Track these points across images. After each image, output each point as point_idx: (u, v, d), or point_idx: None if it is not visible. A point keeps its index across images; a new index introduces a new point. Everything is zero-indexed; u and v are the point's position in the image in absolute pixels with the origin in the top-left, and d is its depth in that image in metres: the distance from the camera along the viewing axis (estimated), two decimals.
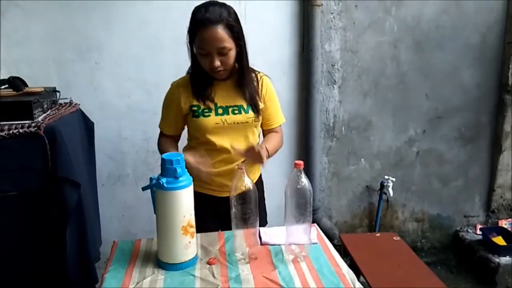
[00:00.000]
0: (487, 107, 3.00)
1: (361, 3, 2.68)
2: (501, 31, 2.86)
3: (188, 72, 1.69)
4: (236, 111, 1.63)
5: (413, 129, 2.96)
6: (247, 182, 1.37)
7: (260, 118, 1.69)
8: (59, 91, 2.15)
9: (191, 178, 1.39)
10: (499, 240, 2.80)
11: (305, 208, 1.38)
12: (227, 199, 1.47)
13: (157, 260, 1.41)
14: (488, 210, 3.18)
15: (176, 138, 1.77)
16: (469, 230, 3.13)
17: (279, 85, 2.70)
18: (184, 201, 1.35)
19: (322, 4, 2.60)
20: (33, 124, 1.67)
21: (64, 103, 2.16)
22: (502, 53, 2.90)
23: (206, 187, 1.69)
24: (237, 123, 1.63)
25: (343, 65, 2.77)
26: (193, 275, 1.34)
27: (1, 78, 2.20)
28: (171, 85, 1.69)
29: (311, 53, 2.63)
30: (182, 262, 1.37)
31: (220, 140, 1.63)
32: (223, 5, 1.53)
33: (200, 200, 1.48)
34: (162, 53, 2.48)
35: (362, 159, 2.96)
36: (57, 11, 2.36)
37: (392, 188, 2.88)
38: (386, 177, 2.91)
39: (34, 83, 2.09)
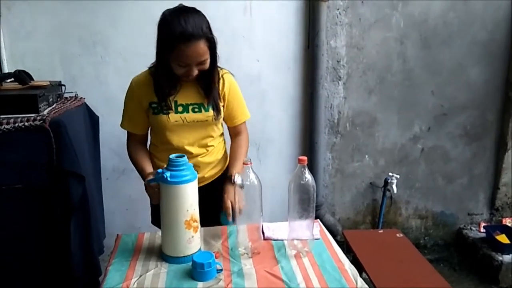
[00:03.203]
0: (493, 105, 2.98)
1: None
2: (508, 28, 2.83)
3: (149, 68, 1.66)
4: (196, 109, 1.62)
5: (418, 126, 2.95)
6: (252, 178, 1.38)
7: (221, 117, 1.68)
8: (64, 85, 2.16)
9: (196, 173, 1.40)
10: (503, 238, 2.79)
11: (308, 204, 1.38)
12: None
13: (161, 253, 1.42)
14: (492, 208, 3.17)
15: (144, 138, 1.74)
16: (473, 228, 3.11)
17: (284, 80, 2.72)
18: (187, 196, 1.36)
19: (328, 0, 2.59)
20: (38, 118, 1.68)
21: (70, 97, 2.17)
22: (509, 50, 2.87)
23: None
24: (197, 121, 1.62)
25: (349, 61, 2.76)
26: None
27: (7, 71, 2.22)
28: (131, 81, 1.66)
29: (316, 49, 2.62)
30: (185, 256, 1.38)
31: (179, 138, 1.63)
32: (198, 12, 1.50)
33: None
34: None
35: (366, 156, 2.96)
36: (62, 6, 2.37)
37: (396, 185, 2.88)
38: (390, 174, 2.90)
39: (40, 77, 2.10)
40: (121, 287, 1.26)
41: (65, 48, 2.43)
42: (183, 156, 1.39)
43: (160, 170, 1.38)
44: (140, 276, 1.31)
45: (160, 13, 2.41)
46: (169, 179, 1.32)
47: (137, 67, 2.48)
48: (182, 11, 1.48)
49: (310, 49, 2.65)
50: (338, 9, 2.66)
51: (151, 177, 1.43)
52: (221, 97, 1.66)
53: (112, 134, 2.49)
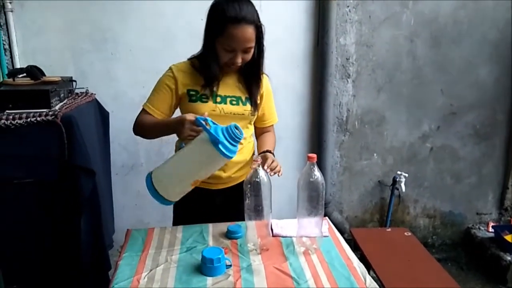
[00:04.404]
0: (503, 104, 2.96)
1: None
2: None
3: (189, 59, 1.65)
4: (234, 102, 1.62)
5: (427, 125, 2.94)
6: (262, 175, 1.38)
7: (257, 113, 1.69)
8: (75, 81, 2.18)
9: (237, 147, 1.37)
10: (511, 238, 2.78)
11: (317, 201, 1.38)
12: (221, 191, 1.64)
13: (147, 181, 1.41)
14: (501, 208, 3.16)
15: None
16: (481, 228, 3.10)
17: (293, 78, 2.72)
18: (219, 165, 1.41)
19: None
20: (50, 113, 1.70)
21: (80, 92, 2.19)
22: None
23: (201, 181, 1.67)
24: (234, 113, 1.61)
25: (358, 59, 2.76)
26: None
27: (20, 67, 2.24)
28: (171, 67, 1.63)
29: (325, 46, 2.62)
30: (171, 201, 1.43)
31: None
32: (250, 2, 1.51)
33: (195, 194, 1.48)
34: (176, 45, 2.49)
35: (375, 154, 2.95)
36: (73, 3, 2.38)
37: (404, 184, 2.87)
38: (399, 172, 2.89)
39: (51, 73, 2.12)
40: (132, 281, 1.27)
41: (76, 44, 2.45)
42: (242, 131, 1.35)
43: (213, 125, 1.33)
44: (150, 270, 1.33)
45: (169, 11, 2.46)
46: (221, 147, 1.28)
47: (146, 63, 2.52)
48: None
49: (320, 47, 2.65)
50: (348, 7, 2.65)
51: (191, 118, 1.36)
52: (259, 96, 1.68)
53: (122, 130, 2.51)
